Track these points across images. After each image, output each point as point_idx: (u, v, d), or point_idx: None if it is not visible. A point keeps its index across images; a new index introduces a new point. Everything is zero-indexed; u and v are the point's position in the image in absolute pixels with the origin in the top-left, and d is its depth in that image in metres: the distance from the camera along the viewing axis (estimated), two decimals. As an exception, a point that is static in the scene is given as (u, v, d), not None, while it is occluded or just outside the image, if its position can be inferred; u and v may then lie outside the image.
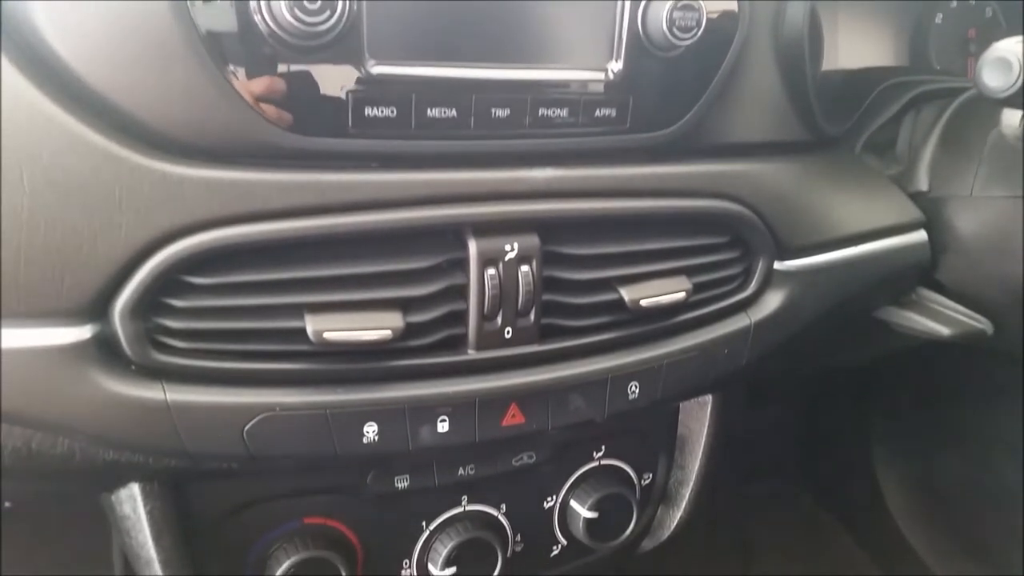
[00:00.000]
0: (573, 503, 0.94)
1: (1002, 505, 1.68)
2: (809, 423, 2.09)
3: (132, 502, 0.72)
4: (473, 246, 0.70)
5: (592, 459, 0.95)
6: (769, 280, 0.87)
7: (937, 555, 1.82)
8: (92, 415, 0.63)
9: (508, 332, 0.73)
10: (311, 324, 0.65)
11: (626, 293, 0.76)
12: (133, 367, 0.64)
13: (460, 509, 0.89)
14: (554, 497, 0.94)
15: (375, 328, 0.67)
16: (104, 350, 0.63)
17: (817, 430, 2.09)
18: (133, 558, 0.77)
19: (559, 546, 0.97)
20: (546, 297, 0.74)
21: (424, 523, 0.88)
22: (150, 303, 0.63)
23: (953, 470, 1.82)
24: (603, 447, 0.95)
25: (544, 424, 0.77)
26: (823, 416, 2.06)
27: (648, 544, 1.05)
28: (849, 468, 1.98)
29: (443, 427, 0.73)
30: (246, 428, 0.66)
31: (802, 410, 2.09)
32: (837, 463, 2.04)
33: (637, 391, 0.80)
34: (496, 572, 0.89)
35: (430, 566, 0.88)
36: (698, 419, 0.98)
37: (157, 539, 0.73)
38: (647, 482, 1.00)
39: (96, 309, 0.61)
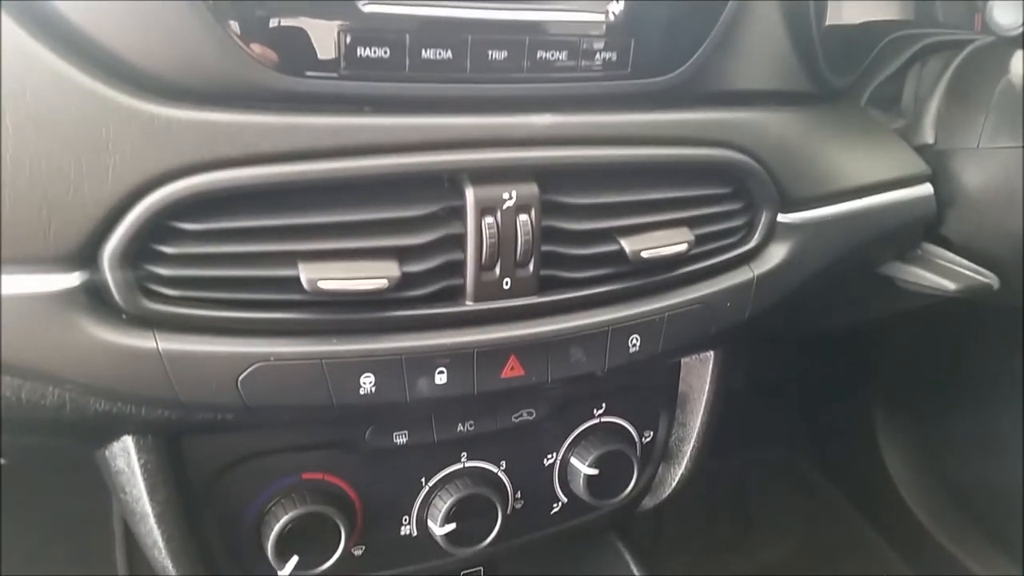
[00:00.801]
0: (573, 460, 0.93)
1: (1005, 468, 1.68)
2: (811, 391, 2.08)
3: (126, 456, 0.71)
4: (470, 194, 0.68)
5: (593, 416, 0.94)
6: (773, 233, 0.85)
7: (939, 521, 1.82)
8: (82, 364, 0.62)
9: (507, 283, 0.72)
10: (305, 273, 0.64)
11: (627, 244, 0.75)
12: (124, 316, 0.62)
13: (459, 465, 0.88)
14: (554, 454, 0.93)
15: (371, 277, 0.65)
16: (94, 298, 0.61)
17: (819, 398, 2.08)
18: (128, 514, 0.76)
19: (559, 504, 0.96)
20: (545, 248, 0.72)
21: (423, 479, 0.87)
22: (140, 250, 0.61)
23: (956, 436, 1.81)
24: (603, 404, 0.94)
25: (543, 377, 0.76)
26: (825, 384, 2.05)
27: (649, 502, 1.04)
28: (851, 436, 1.98)
29: (441, 379, 0.72)
30: (240, 378, 0.65)
31: (803, 378, 2.08)
32: (838, 431, 2.04)
33: (638, 344, 0.79)
34: (496, 529, 0.88)
35: (430, 522, 0.87)
36: (699, 376, 0.97)
37: (152, 493, 0.72)
38: (648, 440, 0.99)
39: (84, 256, 0.60)
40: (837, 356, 1.99)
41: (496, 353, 0.73)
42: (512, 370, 0.75)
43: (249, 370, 0.65)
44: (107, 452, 0.74)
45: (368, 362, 0.69)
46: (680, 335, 0.81)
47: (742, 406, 1.45)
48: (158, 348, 0.63)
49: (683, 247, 0.77)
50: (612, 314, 0.77)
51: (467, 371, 0.73)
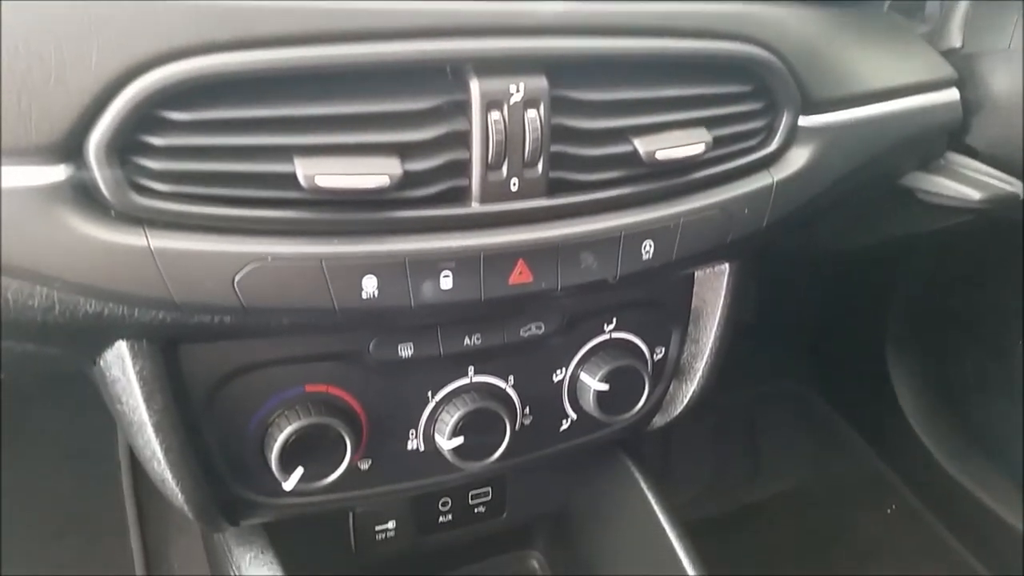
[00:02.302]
0: (583, 376, 0.91)
1: (1016, 400, 1.67)
2: (822, 324, 2.06)
3: (120, 363, 0.69)
4: (475, 86, 0.65)
5: (603, 332, 0.92)
6: (793, 136, 0.81)
7: (950, 453, 1.81)
8: (70, 262, 0.59)
9: (514, 184, 0.68)
10: (301, 168, 0.60)
11: (641, 145, 0.71)
12: (113, 212, 0.59)
13: (467, 380, 0.86)
14: (563, 370, 0.91)
15: (371, 174, 0.62)
16: (81, 193, 0.58)
17: (830, 331, 2.06)
18: (126, 426, 0.75)
19: (568, 420, 0.94)
20: (555, 148, 0.69)
21: (430, 393, 0.85)
22: (127, 142, 0.58)
23: (968, 368, 1.80)
24: (614, 320, 0.91)
25: (553, 284, 0.73)
26: (837, 317, 2.03)
27: (659, 420, 1.02)
28: (862, 368, 1.97)
29: (447, 283, 0.69)
30: (236, 278, 0.62)
31: (815, 311, 2.06)
32: (849, 364, 2.03)
33: (651, 251, 0.76)
34: (504, 444, 0.86)
35: (437, 437, 0.86)
36: (714, 290, 0.94)
37: (148, 401, 0.70)
38: (659, 357, 0.96)
39: (70, 148, 0.57)
40: (850, 289, 1.97)
41: (503, 257, 0.70)
42: (520, 276, 0.72)
43: (246, 270, 0.62)
44: (102, 362, 0.72)
45: (370, 264, 0.66)
46: (696, 242, 0.78)
47: (752, 339, 1.43)
48: (149, 246, 0.60)
49: (700, 148, 0.73)
50: (625, 219, 0.74)
51: (473, 276, 0.70)
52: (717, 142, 0.75)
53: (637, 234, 0.74)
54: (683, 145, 0.73)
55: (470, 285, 0.70)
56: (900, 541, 1.79)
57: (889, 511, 1.87)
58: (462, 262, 0.69)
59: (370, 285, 0.66)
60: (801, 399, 2.11)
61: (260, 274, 0.63)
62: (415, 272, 0.67)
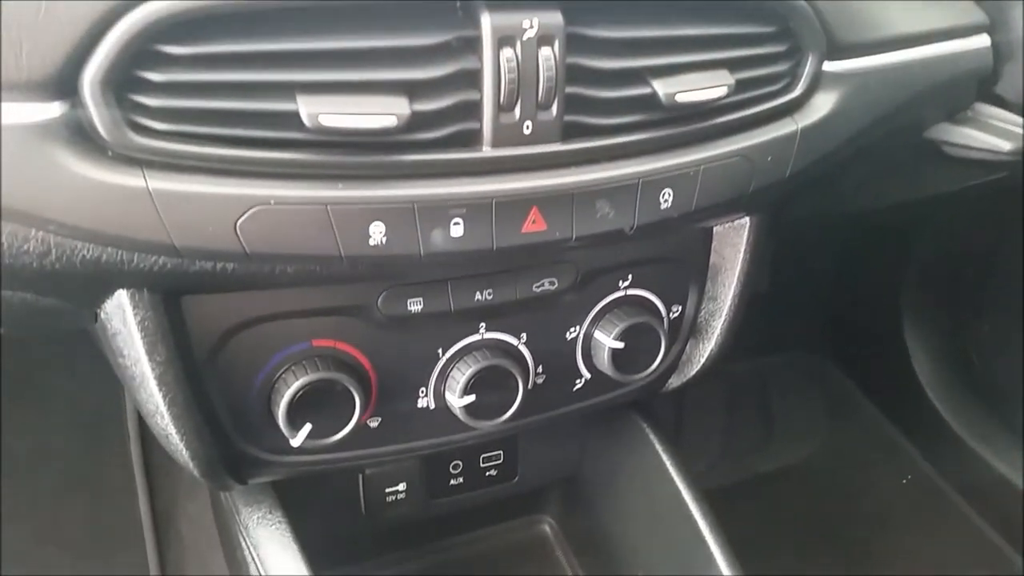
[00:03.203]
0: (597, 334, 0.88)
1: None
2: (837, 291, 2.03)
3: (121, 313, 0.67)
4: (486, 21, 0.61)
5: (618, 289, 0.89)
6: (818, 82, 0.78)
7: (965, 421, 1.79)
8: (66, 203, 0.57)
9: (527, 127, 0.65)
10: (305, 106, 0.58)
11: (660, 87, 0.68)
12: (110, 153, 0.57)
13: (478, 337, 0.84)
14: (577, 328, 0.89)
15: (378, 114, 0.59)
16: (77, 133, 0.56)
17: (845, 298, 2.03)
18: (128, 380, 0.72)
19: (582, 380, 0.92)
20: (570, 89, 0.66)
21: (440, 350, 0.83)
22: (124, 78, 0.55)
23: (984, 335, 1.77)
24: (630, 276, 0.89)
25: (567, 233, 0.70)
26: (852, 283, 2.00)
27: (675, 381, 1.00)
28: (876, 335, 1.94)
29: (457, 231, 0.66)
30: (238, 222, 0.60)
31: (830, 278, 2.03)
32: (864, 331, 2.00)
33: (670, 200, 0.73)
34: (516, 403, 0.84)
35: (448, 394, 0.83)
36: (733, 245, 0.90)
37: (150, 353, 0.68)
38: (676, 315, 0.94)
39: (63, 83, 0.54)
40: (865, 256, 1.94)
41: (516, 204, 0.68)
42: (534, 224, 0.69)
43: (248, 213, 0.60)
44: (103, 314, 0.70)
45: (377, 209, 0.63)
46: (716, 191, 0.75)
47: (766, 307, 1.41)
48: (148, 187, 0.58)
49: (722, 91, 0.70)
50: (643, 165, 0.71)
51: (485, 223, 0.67)
52: (739, 86, 0.72)
53: (655, 181, 0.72)
54: (704, 88, 0.69)
55: (482, 233, 0.67)
56: (915, 509, 1.77)
57: (904, 480, 1.85)
58: (473, 209, 0.66)
59: (377, 232, 0.64)
60: (814, 367, 2.09)
61: (263, 218, 0.60)
62: (424, 219, 0.65)
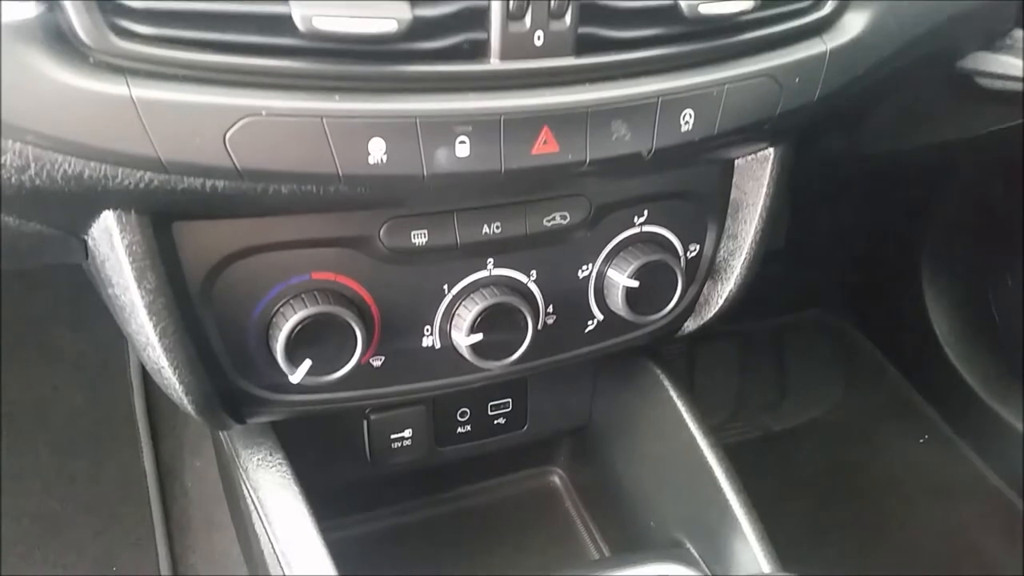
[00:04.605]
0: (611, 272, 0.84)
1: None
2: (854, 249, 1.99)
3: (108, 237, 0.63)
4: (495, -82, 0.57)
5: (633, 225, 0.85)
6: (848, 0, 0.73)
7: (985, 381, 1.75)
8: (44, 112, 0.53)
9: (539, 38, 0.61)
10: (297, 9, 0.54)
11: None
12: (91, 59, 0.53)
13: (485, 273, 0.80)
14: (590, 266, 0.85)
15: (376, 17, 0.55)
16: (54, 36, 0.52)
17: (864, 257, 1.99)
18: (119, 313, 0.69)
19: (594, 321, 0.88)
20: None
21: (446, 287, 0.79)
22: None
23: (1006, 296, 1.72)
24: (645, 212, 0.84)
25: (581, 155, 0.66)
26: (871, 242, 1.95)
27: (692, 324, 0.96)
28: (895, 294, 1.90)
29: (463, 150, 0.62)
30: (228, 134, 0.56)
31: (847, 235, 1.98)
32: (882, 289, 1.96)
33: (691, 121, 0.68)
34: (526, 343, 0.80)
35: (454, 333, 0.80)
36: (756, 179, 0.86)
37: (140, 279, 0.64)
38: (693, 254, 0.89)
39: None
40: (884, 212, 1.89)
41: (527, 122, 0.63)
42: (545, 145, 0.65)
43: (238, 124, 0.56)
44: (90, 240, 0.66)
45: (377, 124, 0.59)
46: (741, 114, 0.70)
47: (782, 265, 1.37)
48: (132, 96, 0.54)
49: (747, 3, 0.65)
50: (663, 83, 0.66)
51: (493, 142, 0.63)
52: (766, 0, 0.67)
53: (676, 101, 0.67)
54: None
55: (489, 154, 0.63)
56: (932, 470, 1.75)
57: (921, 440, 1.82)
58: (480, 126, 0.62)
59: (377, 149, 0.60)
60: (831, 326, 2.05)
61: (254, 131, 0.56)
62: (428, 136, 0.61)
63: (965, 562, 1.55)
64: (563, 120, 0.64)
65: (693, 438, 0.97)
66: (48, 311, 1.60)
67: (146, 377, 1.57)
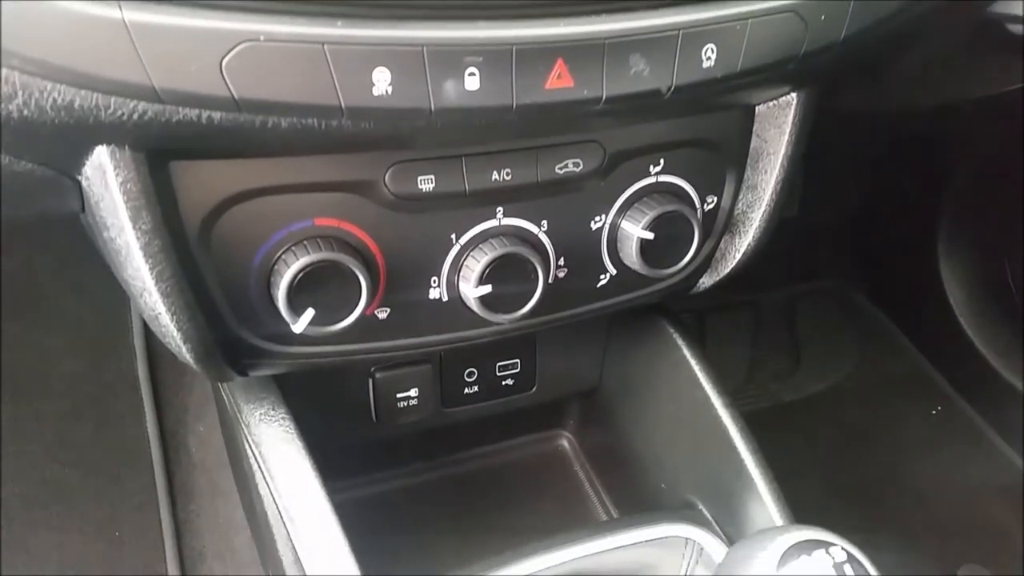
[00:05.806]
0: (625, 224, 0.81)
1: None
2: (868, 219, 1.96)
3: (101, 175, 0.60)
4: None
5: (648, 175, 0.81)
6: None
7: (1000, 353, 1.73)
8: (30, 34, 0.50)
9: (553, -38, 0.58)
10: None
11: None
12: None
13: (495, 222, 0.77)
14: (603, 217, 0.81)
15: (383, -63, 0.52)
16: None
17: (877, 226, 1.95)
18: (114, 257, 0.66)
19: (607, 275, 0.85)
20: None
21: (453, 236, 0.76)
22: None
23: (1022, 264, 1.68)
24: (661, 161, 0.81)
25: (597, 91, 0.63)
26: (886, 213, 1.92)
27: (708, 280, 0.93)
28: (909, 265, 1.87)
29: (472, 83, 0.59)
30: (224, 60, 0.53)
31: (861, 205, 1.95)
32: (896, 260, 1.93)
33: (713, 57, 0.65)
34: (536, 296, 0.77)
35: (462, 285, 0.77)
36: (778, 126, 0.82)
37: (135, 219, 0.61)
38: (711, 206, 0.86)
39: None
40: (898, 180, 1.86)
41: (540, 54, 0.60)
42: (559, 79, 0.61)
43: (235, 51, 0.53)
44: (84, 180, 0.63)
45: (382, 52, 0.56)
46: (765, 51, 0.67)
47: (795, 234, 1.34)
48: (124, 19, 0.50)
49: None
50: (684, 15, 0.63)
51: (504, 75, 0.60)
52: None
53: (698, 34, 0.64)
54: (755, -77, 0.61)
55: (500, 87, 0.60)
56: (945, 441, 1.72)
57: (934, 412, 1.80)
58: (490, 57, 0.59)
59: (382, 80, 0.57)
60: (844, 297, 2.02)
61: (252, 57, 0.53)
62: (435, 66, 0.57)
63: (977, 532, 1.53)
64: (578, 52, 0.61)
65: (708, 397, 0.95)
66: (50, 276, 1.59)
67: (149, 342, 1.56)
